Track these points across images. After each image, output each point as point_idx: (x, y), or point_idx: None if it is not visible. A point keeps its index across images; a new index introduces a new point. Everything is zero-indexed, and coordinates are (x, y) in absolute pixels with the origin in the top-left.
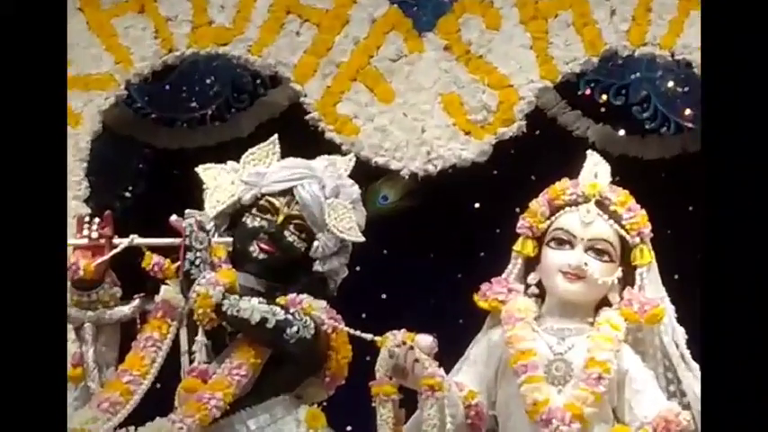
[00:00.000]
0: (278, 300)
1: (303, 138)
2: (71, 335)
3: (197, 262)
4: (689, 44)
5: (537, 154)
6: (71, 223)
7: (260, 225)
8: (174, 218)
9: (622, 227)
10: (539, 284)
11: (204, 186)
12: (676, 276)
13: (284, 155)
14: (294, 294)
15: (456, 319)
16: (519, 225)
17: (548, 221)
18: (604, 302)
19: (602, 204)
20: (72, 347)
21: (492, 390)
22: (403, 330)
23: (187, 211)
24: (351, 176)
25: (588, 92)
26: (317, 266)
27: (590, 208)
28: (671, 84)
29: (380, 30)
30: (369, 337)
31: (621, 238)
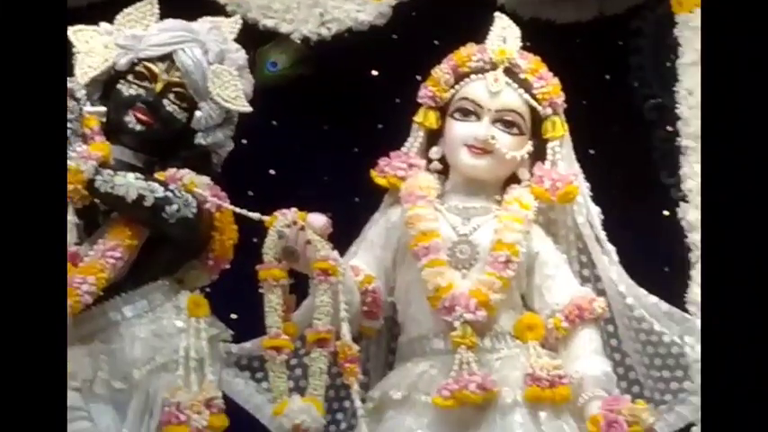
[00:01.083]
0: (156, 175)
1: None
2: None
3: (67, 133)
4: None
5: (440, 16)
6: None
7: (136, 93)
8: None
9: (533, 96)
10: (442, 159)
11: (74, 50)
12: (592, 151)
13: (163, 16)
14: (174, 169)
15: (351, 196)
16: (420, 94)
17: (452, 90)
18: (513, 179)
19: (511, 72)
20: None
21: (390, 274)
22: (293, 209)
23: None
24: (236, 40)
25: None
26: (200, 139)
27: (498, 76)
28: None
29: None
30: (256, 216)
31: (532, 109)
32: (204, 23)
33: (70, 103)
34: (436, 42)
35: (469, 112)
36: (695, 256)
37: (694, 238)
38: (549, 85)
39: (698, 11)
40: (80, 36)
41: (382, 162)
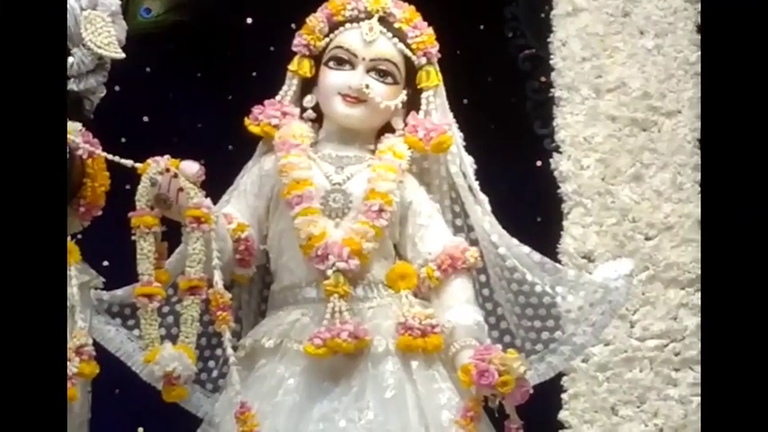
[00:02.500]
0: None
1: None
2: None
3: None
4: None
5: None
6: None
7: None
8: None
9: (408, 46)
10: (316, 108)
11: None
12: (465, 101)
13: None
14: None
15: (225, 144)
16: (295, 42)
17: (326, 39)
18: (387, 129)
19: (385, 21)
20: None
21: (263, 223)
22: (166, 156)
23: None
24: None
25: None
26: (72, 85)
27: (373, 25)
28: None
29: None
30: (129, 163)
31: (407, 59)
32: None
33: None
34: None
35: (344, 60)
36: (567, 206)
37: (567, 188)
38: (424, 35)
39: None
40: None
41: (256, 110)
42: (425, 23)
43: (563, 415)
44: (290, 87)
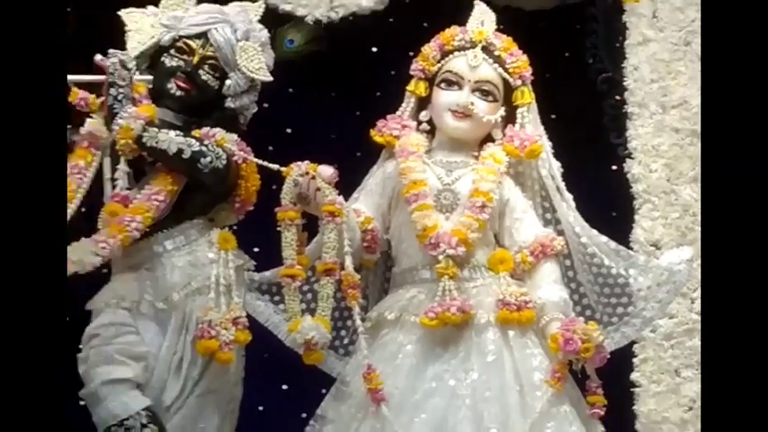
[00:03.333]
0: (193, 132)
1: None
2: None
3: (120, 97)
4: None
5: (430, 3)
6: None
7: (177, 65)
8: (98, 57)
9: (506, 70)
10: (429, 122)
11: (126, 28)
12: (553, 116)
13: (200, 0)
14: (208, 128)
15: (354, 152)
16: (412, 68)
17: (438, 64)
18: (488, 139)
19: (487, 49)
20: None
21: (386, 216)
22: (306, 162)
23: (111, 50)
24: (260, 22)
25: None
26: (229, 103)
27: (477, 53)
28: None
29: None
30: (275, 167)
31: (505, 81)
32: (233, 7)
33: (123, 73)
34: (425, 25)
35: (453, 82)
36: (638, 203)
37: (637, 188)
38: (519, 61)
39: (643, 0)
40: (130, 17)
41: (380, 123)
42: (520, 51)
43: (634, 376)
44: (408, 105)
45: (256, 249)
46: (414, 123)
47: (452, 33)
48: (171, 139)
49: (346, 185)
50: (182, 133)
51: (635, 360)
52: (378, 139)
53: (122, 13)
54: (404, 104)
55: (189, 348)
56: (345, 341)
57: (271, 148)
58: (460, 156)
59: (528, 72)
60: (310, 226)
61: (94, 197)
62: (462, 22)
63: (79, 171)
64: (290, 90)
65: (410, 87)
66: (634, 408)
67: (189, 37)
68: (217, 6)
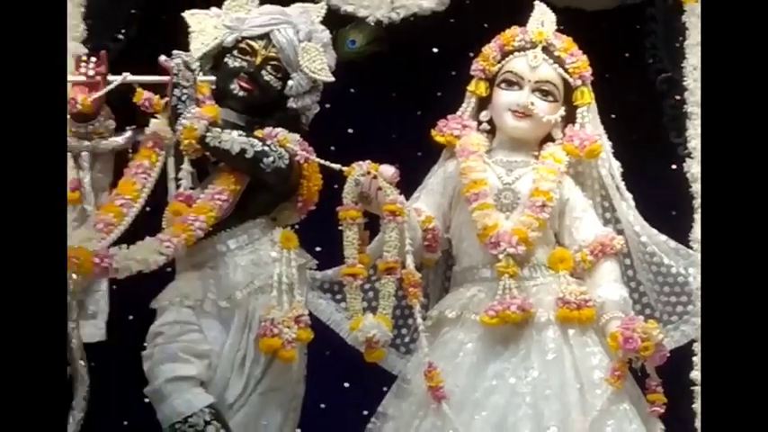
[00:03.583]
0: (256, 132)
1: None
2: (70, 162)
3: (183, 98)
4: None
5: (490, 3)
6: (70, 61)
7: (240, 65)
8: (162, 58)
9: (565, 70)
10: (490, 121)
11: (190, 30)
12: (613, 116)
13: (263, 2)
14: (270, 128)
15: (415, 151)
16: (473, 68)
17: (499, 65)
18: (548, 138)
19: (547, 50)
20: (71, 173)
21: (447, 215)
22: (368, 161)
23: (175, 51)
24: (322, 23)
25: None
26: (291, 103)
27: (537, 53)
28: None
29: None
30: (337, 167)
31: (564, 81)
32: (296, 8)
33: (186, 74)
34: (486, 25)
35: (513, 82)
36: (697, 202)
37: (697, 187)
38: (579, 61)
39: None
40: (194, 19)
41: (441, 123)
42: (580, 52)
43: (694, 375)
44: (468, 105)
45: (318, 248)
46: (474, 123)
47: (513, 34)
48: (234, 139)
49: (407, 185)
50: (244, 133)
51: (694, 359)
52: (438, 138)
53: (186, 14)
54: (464, 104)
55: (252, 346)
56: (406, 339)
57: (333, 148)
58: (521, 155)
59: (588, 72)
60: (372, 225)
61: (159, 197)
62: (522, 22)
63: (144, 171)
64: (352, 90)
65: (470, 87)
66: (693, 406)
67: (252, 38)
68: (279, 8)
